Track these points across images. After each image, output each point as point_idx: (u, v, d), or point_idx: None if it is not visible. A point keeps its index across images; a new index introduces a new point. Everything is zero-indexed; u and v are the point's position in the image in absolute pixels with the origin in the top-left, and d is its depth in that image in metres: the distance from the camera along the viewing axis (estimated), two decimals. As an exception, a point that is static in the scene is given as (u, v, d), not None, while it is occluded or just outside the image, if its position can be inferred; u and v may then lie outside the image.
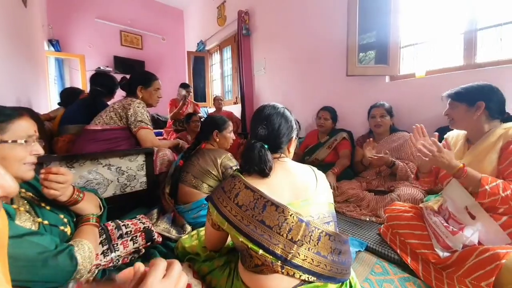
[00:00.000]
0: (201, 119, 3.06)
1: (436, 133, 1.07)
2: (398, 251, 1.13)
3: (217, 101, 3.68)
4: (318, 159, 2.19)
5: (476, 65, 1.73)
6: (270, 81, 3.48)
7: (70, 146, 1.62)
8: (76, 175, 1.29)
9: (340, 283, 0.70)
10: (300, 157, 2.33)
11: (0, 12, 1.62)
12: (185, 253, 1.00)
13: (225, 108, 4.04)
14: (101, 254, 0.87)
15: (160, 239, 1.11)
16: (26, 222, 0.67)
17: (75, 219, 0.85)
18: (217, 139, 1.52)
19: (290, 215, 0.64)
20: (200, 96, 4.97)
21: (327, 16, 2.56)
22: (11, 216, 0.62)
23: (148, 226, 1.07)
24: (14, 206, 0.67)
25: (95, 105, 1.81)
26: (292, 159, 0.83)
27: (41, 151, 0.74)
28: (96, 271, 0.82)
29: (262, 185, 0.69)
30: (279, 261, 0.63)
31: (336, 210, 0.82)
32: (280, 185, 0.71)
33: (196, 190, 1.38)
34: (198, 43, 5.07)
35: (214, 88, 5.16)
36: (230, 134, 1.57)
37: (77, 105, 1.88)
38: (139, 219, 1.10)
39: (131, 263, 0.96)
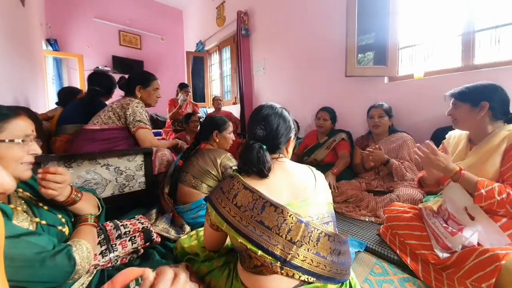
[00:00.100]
0: (200, 119, 3.06)
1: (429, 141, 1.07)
2: (398, 251, 1.13)
3: (216, 101, 3.68)
4: (317, 160, 2.20)
5: (474, 67, 1.74)
6: (269, 81, 3.48)
7: (68, 146, 1.61)
8: (74, 175, 1.28)
9: (340, 284, 0.70)
10: (299, 158, 2.33)
11: (-2, 10, 1.61)
12: (184, 253, 1.00)
13: (224, 108, 4.04)
14: (99, 254, 0.87)
15: (159, 239, 1.10)
16: (23, 222, 0.67)
17: (73, 219, 0.84)
18: (217, 140, 1.52)
19: (289, 216, 0.64)
20: (199, 96, 4.96)
21: (326, 17, 2.57)
22: (8, 216, 0.61)
23: (147, 226, 1.07)
24: (12, 206, 0.67)
25: (93, 104, 1.80)
26: (290, 159, 0.82)
27: (38, 151, 0.73)
28: (95, 272, 0.81)
29: (261, 186, 0.69)
30: (279, 262, 0.62)
31: (335, 211, 0.82)
32: (279, 185, 0.71)
33: (196, 190, 1.38)
34: (197, 43, 5.06)
35: (213, 88, 5.16)
36: (230, 135, 1.57)
37: (75, 104, 1.87)
38: (137, 219, 1.09)
39: (130, 264, 0.95)
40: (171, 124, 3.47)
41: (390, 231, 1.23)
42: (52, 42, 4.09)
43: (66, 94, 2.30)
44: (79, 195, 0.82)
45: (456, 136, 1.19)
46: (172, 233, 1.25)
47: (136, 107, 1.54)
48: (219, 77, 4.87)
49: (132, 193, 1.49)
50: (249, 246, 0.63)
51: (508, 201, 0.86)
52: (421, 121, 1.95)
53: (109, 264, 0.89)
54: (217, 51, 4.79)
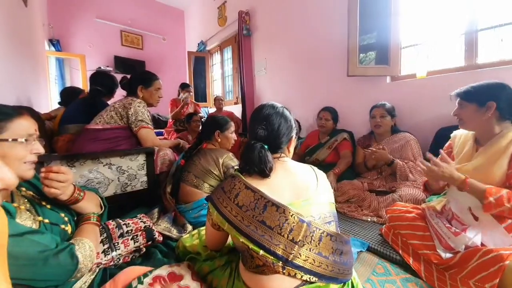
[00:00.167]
0: (202, 119, 3.06)
1: (429, 153, 1.06)
2: (400, 251, 1.12)
3: (218, 101, 3.68)
4: (319, 160, 2.19)
5: (477, 66, 1.73)
6: (270, 81, 3.48)
7: (70, 145, 1.62)
8: (76, 174, 1.29)
9: (342, 284, 0.70)
10: (301, 158, 2.33)
11: (1, 11, 1.62)
12: (186, 253, 1.00)
13: (226, 108, 4.05)
14: (102, 252, 0.87)
15: (161, 238, 1.10)
16: (26, 220, 0.67)
17: (75, 218, 0.85)
18: (219, 139, 1.52)
19: (291, 216, 0.64)
20: (201, 96, 4.97)
21: (327, 17, 2.57)
22: (11, 215, 0.62)
23: (149, 225, 1.07)
24: (15, 204, 0.67)
25: (95, 104, 1.81)
26: (292, 159, 0.82)
27: (41, 150, 0.73)
28: (97, 270, 0.81)
29: (263, 185, 0.69)
30: (280, 262, 0.62)
31: (337, 210, 0.81)
32: (281, 185, 0.71)
33: (197, 190, 1.38)
34: (198, 43, 5.07)
35: (215, 88, 5.16)
36: (231, 134, 1.57)
37: (77, 104, 1.88)
38: (139, 218, 1.09)
39: (132, 262, 0.95)
40: (173, 124, 3.48)
41: (393, 231, 1.23)
42: (55, 43, 4.11)
43: (68, 94, 2.31)
44: (81, 194, 0.83)
45: (462, 136, 1.15)
46: (174, 232, 1.25)
47: (138, 106, 1.54)
48: (220, 77, 4.87)
49: (134, 192, 1.49)
50: (251, 246, 0.63)
51: None
52: (424, 121, 1.94)
53: (112, 263, 0.90)
54: (219, 51, 4.80)
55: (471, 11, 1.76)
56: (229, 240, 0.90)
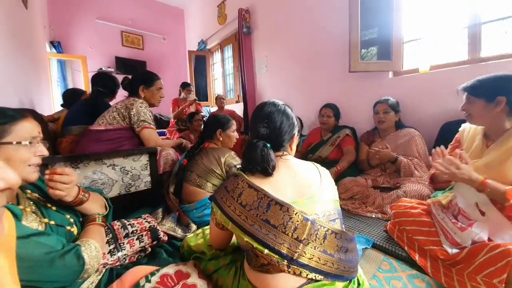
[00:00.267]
0: (204, 118, 3.06)
1: (441, 147, 1.01)
2: (406, 248, 1.12)
3: (219, 100, 3.68)
4: (322, 157, 2.18)
5: (480, 59, 1.71)
6: (272, 79, 3.47)
7: (73, 146, 1.63)
8: (81, 176, 1.29)
9: (348, 281, 0.69)
10: (303, 155, 2.32)
11: (1, 14, 1.62)
12: (190, 252, 1.00)
13: (227, 107, 4.04)
14: (108, 253, 0.87)
15: (166, 238, 1.11)
16: (32, 222, 0.67)
17: (81, 219, 0.85)
18: (221, 138, 1.52)
19: (295, 214, 0.63)
20: (202, 95, 4.97)
21: (328, 13, 2.54)
22: (17, 217, 0.62)
23: (154, 225, 1.07)
24: (21, 207, 0.68)
25: (97, 105, 1.81)
26: (294, 157, 0.82)
27: (45, 152, 0.74)
28: (104, 270, 0.82)
29: (266, 184, 0.68)
30: (285, 261, 0.62)
31: (341, 207, 0.81)
32: (284, 183, 0.71)
33: (200, 189, 1.38)
34: (199, 42, 5.06)
35: (216, 87, 5.16)
36: (233, 133, 1.57)
37: (80, 106, 1.88)
38: (144, 218, 1.10)
39: (137, 262, 0.96)
40: (175, 123, 3.48)
41: (398, 227, 1.22)
42: (56, 44, 4.12)
43: (70, 96, 2.33)
44: (86, 195, 0.83)
45: (471, 130, 1.11)
46: (178, 232, 1.25)
47: (140, 107, 1.55)
48: (221, 76, 4.87)
49: (138, 193, 1.50)
50: (255, 245, 0.63)
51: None
52: (428, 116, 1.92)
53: (118, 263, 0.90)
54: (219, 50, 4.78)
55: (474, 4, 1.73)
56: (234, 239, 0.90)
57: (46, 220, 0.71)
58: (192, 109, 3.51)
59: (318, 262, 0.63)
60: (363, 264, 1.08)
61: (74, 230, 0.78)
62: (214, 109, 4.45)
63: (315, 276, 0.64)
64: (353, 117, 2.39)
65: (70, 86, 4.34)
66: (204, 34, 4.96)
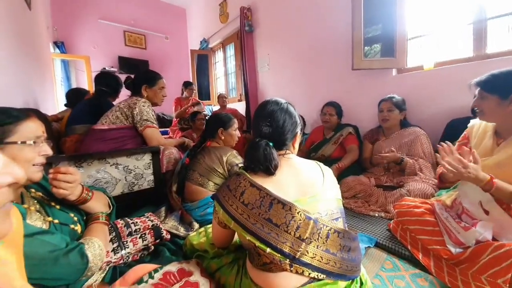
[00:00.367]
0: (206, 117, 3.07)
1: (448, 143, 0.97)
2: (409, 247, 1.11)
3: (222, 99, 3.68)
4: (325, 155, 2.17)
5: (486, 56, 1.69)
6: (274, 77, 3.46)
7: (77, 146, 1.65)
8: (84, 175, 1.31)
9: (351, 280, 0.69)
10: (306, 154, 2.31)
11: (6, 15, 1.64)
12: (193, 250, 1.01)
13: (230, 105, 4.04)
14: (111, 251, 0.88)
15: (168, 236, 1.11)
16: (36, 221, 0.68)
17: (85, 218, 0.86)
18: (223, 137, 1.52)
19: (298, 213, 0.63)
20: (204, 94, 4.97)
21: (330, 10, 2.52)
22: (22, 216, 0.63)
23: (157, 224, 1.08)
24: (25, 205, 0.68)
25: (101, 105, 1.82)
26: (297, 156, 0.81)
27: (49, 152, 0.74)
28: (107, 268, 0.82)
29: (268, 183, 0.68)
30: (288, 259, 0.62)
31: (344, 206, 0.80)
32: (286, 182, 0.70)
33: (203, 188, 1.39)
34: (201, 41, 5.06)
35: (218, 86, 5.16)
36: (235, 132, 1.57)
37: (83, 105, 1.90)
38: (147, 217, 1.10)
39: (141, 260, 0.97)
40: (177, 122, 3.50)
41: (401, 226, 1.21)
42: (59, 45, 4.16)
43: (73, 95, 2.35)
44: (90, 194, 0.84)
45: (481, 127, 1.07)
46: (181, 230, 1.26)
47: (143, 106, 1.55)
48: (223, 75, 4.86)
49: (141, 192, 1.51)
50: (258, 243, 0.63)
51: None
52: (433, 114, 1.89)
53: (121, 261, 0.91)
54: (221, 49, 4.78)
55: (480, -1, 1.70)
56: (236, 237, 0.90)
57: (50, 218, 0.72)
58: (197, 108, 3.52)
59: (320, 261, 0.63)
60: (366, 263, 1.08)
61: (78, 228, 0.79)
62: (216, 108, 4.46)
63: (317, 275, 0.64)
64: (356, 115, 2.38)
65: (74, 86, 4.37)
66: (206, 33, 4.96)
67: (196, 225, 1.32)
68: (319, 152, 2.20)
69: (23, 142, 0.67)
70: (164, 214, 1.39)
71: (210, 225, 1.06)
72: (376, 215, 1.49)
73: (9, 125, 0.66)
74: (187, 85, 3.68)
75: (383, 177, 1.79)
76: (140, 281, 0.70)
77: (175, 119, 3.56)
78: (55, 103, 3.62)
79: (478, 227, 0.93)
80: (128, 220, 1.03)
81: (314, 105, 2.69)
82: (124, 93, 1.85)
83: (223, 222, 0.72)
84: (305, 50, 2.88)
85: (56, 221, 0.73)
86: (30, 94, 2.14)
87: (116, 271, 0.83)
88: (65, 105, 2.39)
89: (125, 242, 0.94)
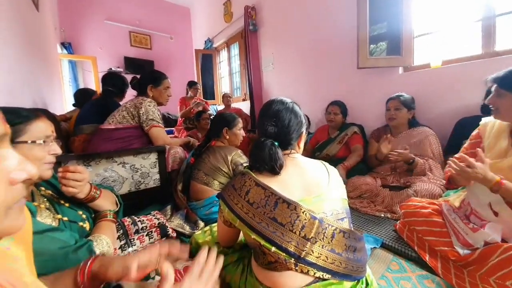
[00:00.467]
0: (211, 117, 3.08)
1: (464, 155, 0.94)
2: (416, 248, 1.10)
3: (226, 98, 3.69)
4: (329, 155, 2.16)
5: (495, 53, 1.65)
6: (278, 76, 3.45)
7: (85, 145, 1.67)
8: (92, 173, 1.33)
9: (356, 281, 0.69)
10: (310, 153, 2.30)
11: (14, 16, 1.67)
12: (198, 249, 1.01)
13: (234, 105, 4.04)
14: (119, 248, 0.90)
15: (174, 234, 1.12)
16: (46, 218, 0.70)
17: (93, 216, 0.88)
18: (227, 136, 1.53)
19: (303, 212, 0.63)
20: (209, 93, 5.00)
21: (335, 8, 2.50)
22: (32, 213, 0.64)
23: (163, 222, 1.09)
24: (35, 203, 0.70)
25: (108, 105, 1.85)
26: (301, 155, 0.81)
27: (59, 151, 0.76)
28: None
29: (273, 182, 0.68)
30: (293, 259, 0.62)
31: (349, 206, 0.80)
32: (291, 181, 0.70)
33: (207, 187, 1.39)
34: (205, 41, 5.08)
35: (223, 85, 5.17)
36: (240, 131, 1.57)
37: (91, 105, 1.93)
38: (153, 215, 1.12)
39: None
40: (183, 122, 3.52)
41: (408, 227, 1.20)
42: (67, 45, 4.22)
43: (81, 95, 2.39)
44: (98, 192, 0.85)
45: (495, 126, 1.01)
46: (186, 229, 1.27)
47: (149, 106, 1.57)
48: (228, 74, 4.87)
49: (148, 190, 1.52)
50: (263, 242, 0.63)
51: None
52: (441, 113, 1.86)
53: (128, 259, 0.92)
54: (226, 48, 4.79)
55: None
56: (241, 236, 0.90)
57: (59, 216, 0.73)
58: (200, 107, 3.53)
59: (325, 261, 0.63)
60: (372, 264, 1.07)
61: (87, 226, 0.80)
62: (221, 107, 4.47)
63: (322, 274, 0.64)
64: (361, 115, 2.36)
65: (82, 86, 4.45)
66: (210, 32, 4.98)
67: (201, 224, 1.33)
68: (324, 152, 2.19)
69: (33, 142, 0.68)
70: (170, 213, 1.40)
71: (215, 224, 1.07)
72: (382, 215, 1.48)
73: (20, 125, 0.67)
74: (191, 84, 3.70)
75: (390, 177, 1.77)
76: (147, 277, 0.71)
77: (180, 119, 3.58)
78: (63, 103, 3.68)
79: (487, 228, 0.92)
80: (135, 218, 1.04)
81: (319, 104, 2.67)
82: (130, 93, 1.87)
83: (228, 221, 0.72)
84: (310, 48, 2.87)
85: (65, 218, 0.74)
86: (39, 94, 2.18)
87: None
88: (73, 105, 2.43)
89: (132, 240, 0.95)
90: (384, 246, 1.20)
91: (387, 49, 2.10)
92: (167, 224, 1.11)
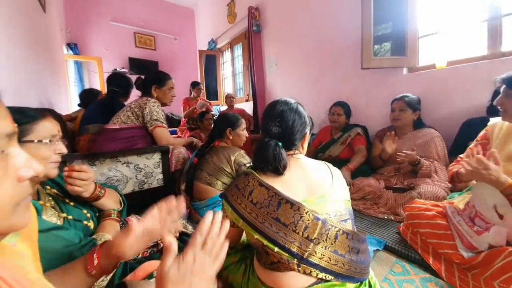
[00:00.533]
0: (214, 117, 3.09)
1: (479, 148, 0.92)
2: (419, 250, 1.09)
3: (229, 99, 3.70)
4: (332, 156, 2.15)
5: (501, 54, 1.63)
6: (282, 77, 3.45)
7: (90, 145, 1.69)
8: (97, 173, 1.34)
9: (359, 283, 0.69)
10: (313, 154, 2.29)
11: (22, 18, 1.70)
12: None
13: (237, 105, 4.06)
14: (122, 248, 0.90)
15: (177, 234, 1.13)
16: (51, 217, 0.71)
17: (97, 214, 0.89)
18: (231, 137, 1.53)
19: (306, 213, 0.63)
20: (212, 94, 5.01)
21: (339, 8, 2.49)
22: (38, 212, 0.65)
23: (165, 222, 1.09)
24: (41, 202, 0.71)
25: (113, 105, 1.87)
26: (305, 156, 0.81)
27: (64, 150, 0.77)
28: (118, 264, 0.84)
29: (277, 183, 0.69)
30: (295, 259, 0.62)
31: (352, 208, 0.79)
32: (295, 182, 0.70)
33: (211, 187, 1.40)
34: (209, 42, 5.10)
35: (226, 86, 5.19)
36: (243, 132, 1.57)
37: (96, 105, 1.95)
38: (156, 215, 1.12)
39: (150, 257, 0.98)
40: (186, 122, 3.54)
41: (411, 229, 1.19)
42: (72, 46, 4.28)
43: (86, 96, 2.42)
44: (102, 191, 0.86)
45: (504, 128, 1.00)
46: (189, 229, 1.27)
47: (153, 106, 1.58)
48: (231, 75, 4.89)
49: (151, 190, 1.54)
50: (265, 242, 0.63)
51: None
52: (447, 114, 1.84)
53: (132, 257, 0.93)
54: (229, 49, 4.80)
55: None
56: (244, 237, 0.91)
57: (64, 214, 0.74)
58: (203, 108, 3.55)
59: (328, 262, 0.63)
60: (374, 266, 1.06)
61: (91, 224, 0.81)
62: (224, 108, 4.48)
63: (325, 276, 0.63)
64: (365, 116, 2.34)
65: (87, 86, 4.49)
66: (214, 33, 5.00)
67: (204, 224, 1.33)
68: (327, 153, 2.18)
69: (40, 141, 0.69)
70: (172, 213, 1.41)
71: (217, 224, 1.07)
72: (385, 217, 1.47)
73: (27, 124, 0.68)
74: (194, 85, 3.72)
75: (393, 178, 1.76)
76: (150, 276, 0.71)
77: (183, 119, 3.60)
78: (69, 103, 3.72)
79: (492, 231, 0.90)
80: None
81: (322, 105, 2.66)
82: (135, 93, 1.89)
83: (232, 221, 0.72)
84: (313, 49, 2.86)
85: (70, 217, 0.75)
86: (45, 94, 2.21)
87: (126, 267, 0.85)
88: (79, 105, 2.46)
89: (135, 239, 0.96)
90: (387, 248, 1.19)
91: (392, 50, 2.09)
92: (170, 224, 1.11)
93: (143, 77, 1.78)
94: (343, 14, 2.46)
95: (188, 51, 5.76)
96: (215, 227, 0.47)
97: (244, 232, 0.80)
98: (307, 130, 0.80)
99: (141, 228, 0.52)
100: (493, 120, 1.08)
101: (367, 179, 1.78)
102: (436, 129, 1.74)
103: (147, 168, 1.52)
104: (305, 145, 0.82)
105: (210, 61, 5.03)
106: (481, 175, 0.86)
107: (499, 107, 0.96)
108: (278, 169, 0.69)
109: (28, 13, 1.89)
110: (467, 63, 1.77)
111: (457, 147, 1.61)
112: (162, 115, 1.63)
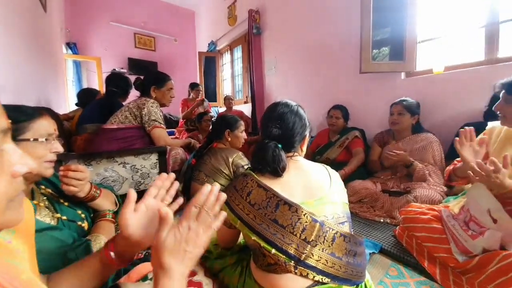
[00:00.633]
0: (212, 119, 3.09)
1: (471, 128, 0.91)
2: (415, 254, 1.09)
3: (228, 101, 3.71)
4: (330, 159, 2.16)
5: (498, 60, 1.65)
6: (280, 80, 3.46)
7: (87, 144, 1.68)
8: (93, 173, 1.33)
9: (355, 286, 0.69)
10: (311, 157, 2.29)
11: (22, 17, 1.70)
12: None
13: (236, 107, 4.06)
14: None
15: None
16: (45, 217, 0.70)
17: (92, 215, 0.88)
18: (229, 139, 1.53)
19: (304, 215, 0.63)
20: (211, 96, 5.02)
21: (339, 13, 2.52)
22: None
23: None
24: (35, 201, 0.70)
25: (111, 105, 1.87)
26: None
27: (60, 149, 0.76)
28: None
29: (275, 184, 0.69)
30: (292, 261, 0.62)
31: (349, 211, 0.80)
32: (293, 184, 0.71)
33: (208, 189, 1.39)
34: (209, 44, 5.12)
35: (225, 87, 5.20)
36: (241, 134, 1.58)
37: (94, 105, 1.95)
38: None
39: (145, 259, 0.98)
40: (184, 123, 3.53)
41: (407, 233, 1.19)
42: (72, 46, 4.27)
43: (84, 95, 2.41)
44: (98, 191, 0.86)
45: (502, 133, 0.99)
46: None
47: (151, 106, 1.58)
48: (230, 77, 4.90)
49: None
50: (263, 244, 0.63)
51: None
52: (444, 118, 1.86)
53: (126, 259, 0.92)
54: (229, 51, 4.82)
55: (492, 2, 1.67)
56: (240, 238, 0.90)
57: (58, 215, 0.74)
58: (201, 109, 3.55)
59: (325, 265, 0.63)
60: (370, 269, 1.06)
61: (85, 225, 0.80)
62: (222, 109, 4.49)
63: (322, 278, 0.63)
64: (363, 119, 2.36)
65: (85, 86, 4.48)
66: (214, 35, 5.02)
67: (200, 225, 1.32)
68: (324, 155, 2.19)
69: (36, 139, 0.69)
70: (169, 214, 1.40)
71: (214, 226, 1.06)
72: (382, 220, 1.47)
73: (23, 122, 0.68)
74: (193, 86, 3.72)
75: (390, 182, 1.76)
76: (144, 278, 0.71)
77: (181, 120, 3.60)
78: (67, 103, 3.71)
79: (486, 235, 0.91)
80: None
81: (320, 107, 2.67)
82: (134, 93, 1.89)
83: (229, 222, 0.72)
84: (312, 53, 2.88)
85: (64, 217, 0.74)
86: (43, 93, 2.20)
87: (120, 269, 0.84)
88: (76, 104, 2.45)
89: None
90: (383, 252, 1.20)
91: (390, 54, 2.11)
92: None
93: (142, 77, 1.78)
94: (342, 19, 2.48)
95: (188, 52, 5.78)
96: (211, 199, 0.49)
97: (241, 233, 0.80)
98: (307, 133, 0.80)
99: (143, 204, 0.54)
100: (492, 124, 1.07)
101: (364, 182, 1.78)
102: (433, 133, 1.75)
103: (144, 169, 1.51)
104: (304, 148, 0.82)
105: (209, 62, 5.04)
106: (488, 177, 0.84)
107: (498, 112, 0.96)
108: (277, 171, 0.69)
109: (29, 12, 1.89)
110: (464, 69, 1.79)
111: (453, 151, 1.62)
112: (161, 116, 1.63)
